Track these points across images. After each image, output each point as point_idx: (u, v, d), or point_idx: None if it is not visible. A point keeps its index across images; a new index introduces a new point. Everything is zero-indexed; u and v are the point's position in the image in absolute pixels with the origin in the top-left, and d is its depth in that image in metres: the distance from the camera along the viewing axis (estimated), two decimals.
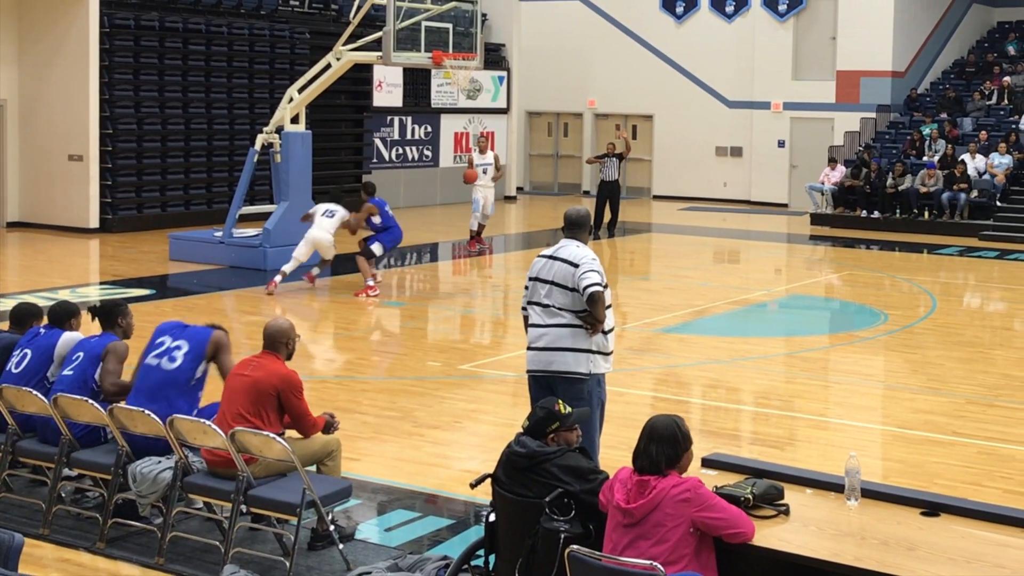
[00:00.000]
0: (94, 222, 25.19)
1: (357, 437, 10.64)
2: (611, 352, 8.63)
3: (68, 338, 8.93)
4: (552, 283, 8.47)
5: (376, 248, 18.72)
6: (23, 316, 9.44)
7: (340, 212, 19.03)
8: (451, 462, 10.53)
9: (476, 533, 8.38)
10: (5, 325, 9.81)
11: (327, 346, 15.38)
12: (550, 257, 8.59)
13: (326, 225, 18.76)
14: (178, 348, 8.45)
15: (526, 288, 8.73)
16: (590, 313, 8.33)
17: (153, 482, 7.99)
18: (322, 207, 19.16)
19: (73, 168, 25.15)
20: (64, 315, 9.15)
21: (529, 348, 8.62)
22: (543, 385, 8.51)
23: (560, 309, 8.43)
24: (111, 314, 8.84)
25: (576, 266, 8.38)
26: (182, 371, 8.42)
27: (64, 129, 25.18)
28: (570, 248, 8.54)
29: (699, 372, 14.34)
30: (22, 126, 25.84)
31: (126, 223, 25.54)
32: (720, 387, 13.74)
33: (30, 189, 25.89)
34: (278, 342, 8.18)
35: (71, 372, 8.54)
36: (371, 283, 18.63)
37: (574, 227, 8.70)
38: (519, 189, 37.17)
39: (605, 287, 8.39)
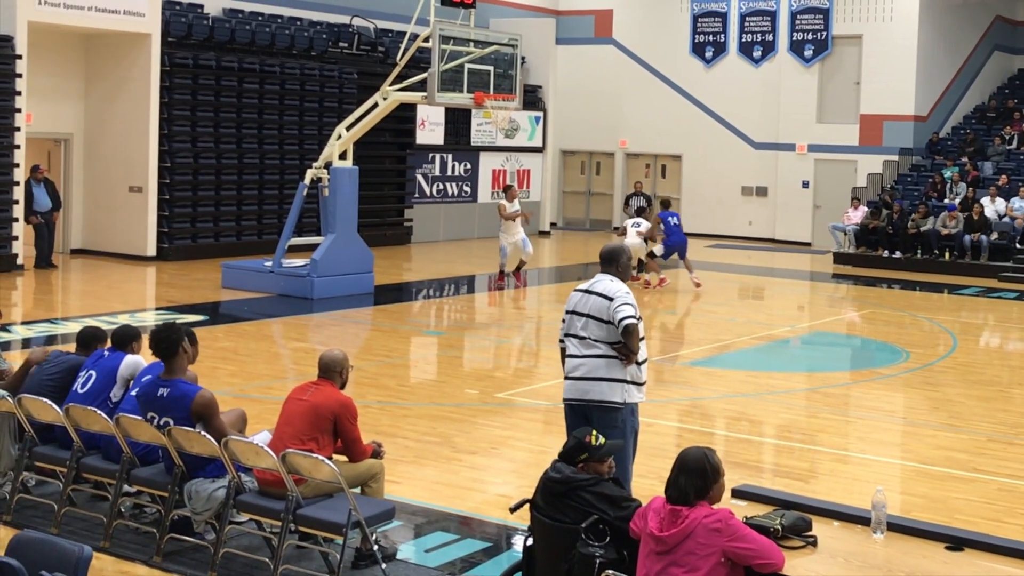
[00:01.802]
0: (152, 250, 25.37)
1: (399, 461, 10.65)
2: (644, 382, 8.63)
3: (130, 361, 9.02)
4: (588, 316, 8.48)
5: (657, 250, 23.21)
6: (89, 339, 9.53)
7: (644, 224, 23.54)
8: (487, 486, 10.54)
9: (509, 556, 8.39)
10: (72, 347, 9.88)
11: (371, 373, 15.40)
12: (586, 291, 8.60)
13: (633, 233, 23.11)
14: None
15: (563, 321, 8.75)
16: (625, 344, 8.33)
17: (207, 500, 8.04)
18: (631, 220, 23.82)
19: (133, 199, 25.34)
20: (126, 339, 9.24)
21: (567, 378, 8.63)
22: (579, 413, 8.50)
23: (596, 341, 8.43)
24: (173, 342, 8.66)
25: (611, 300, 8.39)
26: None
27: (125, 162, 25.38)
28: (604, 282, 8.55)
29: (724, 405, 14.30)
30: (87, 159, 26.07)
31: (181, 252, 25.70)
32: (744, 420, 13.69)
33: (93, 218, 26.11)
34: (332, 371, 8.24)
35: (135, 395, 8.61)
36: (662, 276, 23.16)
37: (608, 262, 8.71)
38: (553, 225, 37.20)
39: (639, 320, 8.39)
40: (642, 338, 8.47)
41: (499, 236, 23.63)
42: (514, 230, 23.21)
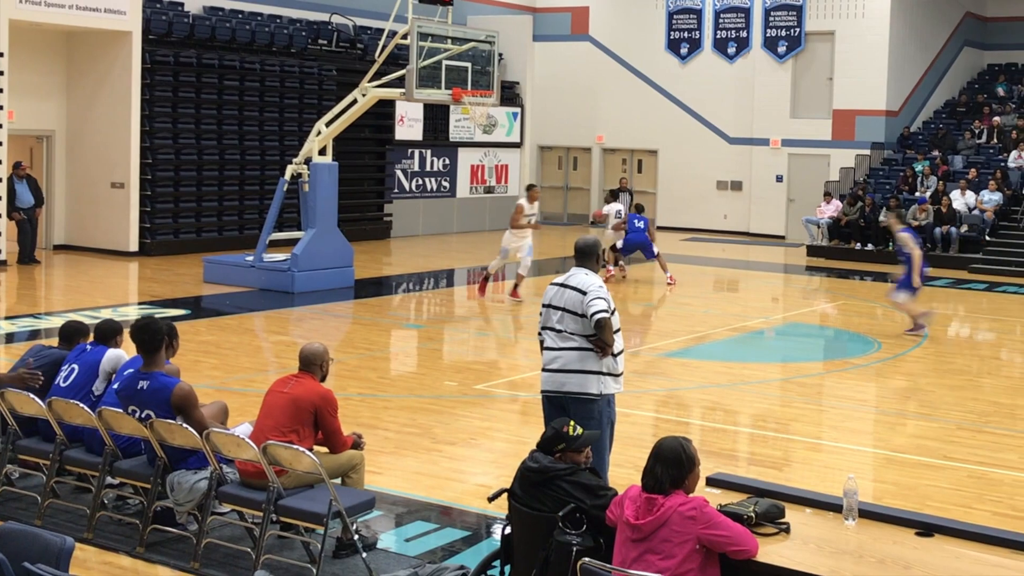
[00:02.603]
0: (134, 246, 25.30)
1: (379, 452, 10.66)
2: (621, 373, 8.64)
3: (112, 354, 9.01)
4: (564, 309, 8.49)
5: (619, 244, 23.99)
6: (71, 333, 9.52)
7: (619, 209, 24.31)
8: (466, 476, 10.55)
9: (488, 545, 8.40)
10: (55, 341, 9.86)
11: (352, 365, 15.37)
12: (561, 285, 8.61)
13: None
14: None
15: (541, 314, 8.76)
16: (599, 338, 8.34)
17: (189, 491, 8.04)
18: (613, 207, 24.26)
19: (115, 195, 25.26)
20: (109, 333, 9.23)
21: (544, 370, 8.64)
22: (556, 405, 8.52)
23: (572, 334, 8.45)
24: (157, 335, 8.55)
25: (584, 293, 8.40)
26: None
27: (107, 159, 25.30)
28: (579, 276, 8.56)
29: (700, 395, 14.33)
30: (69, 156, 25.97)
31: (163, 247, 25.64)
32: (720, 409, 13.73)
33: (75, 214, 26.01)
34: (312, 364, 8.24)
35: (117, 388, 8.59)
36: (611, 269, 23.65)
37: (583, 256, 8.72)
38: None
39: (612, 313, 8.40)
40: (617, 330, 8.49)
41: (506, 233, 21.25)
42: (524, 233, 20.97)
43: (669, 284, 23.12)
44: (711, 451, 11.23)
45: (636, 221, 23.92)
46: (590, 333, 8.38)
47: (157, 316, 8.76)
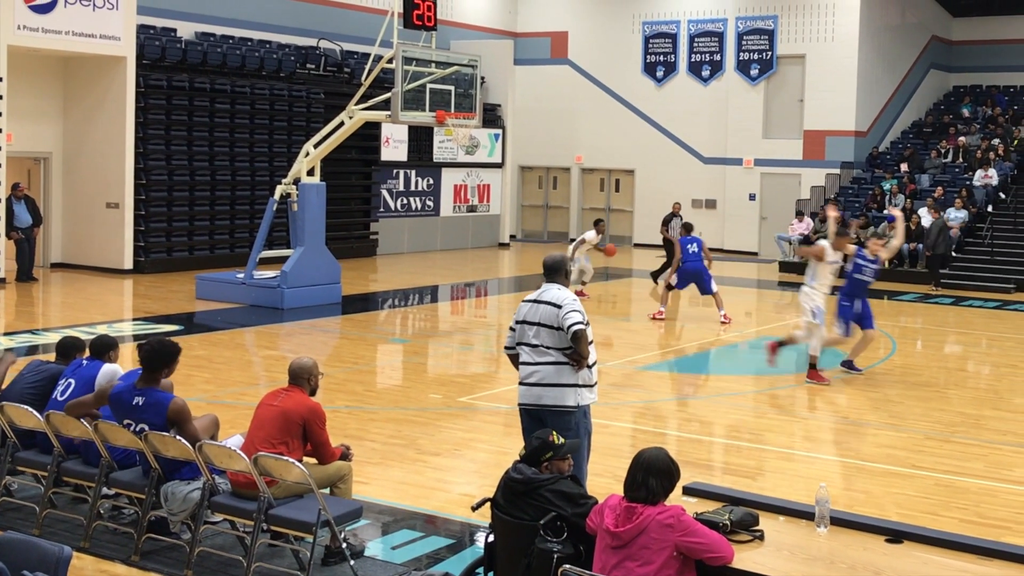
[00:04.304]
0: (128, 263, 25.27)
1: (366, 462, 10.65)
2: (595, 383, 8.65)
3: (108, 369, 8.99)
4: (539, 324, 8.49)
5: (672, 280, 21.46)
6: (67, 348, 9.50)
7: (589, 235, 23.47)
8: (451, 486, 10.53)
9: (472, 552, 8.40)
10: (52, 356, 9.84)
11: (339, 379, 15.36)
12: (535, 301, 8.61)
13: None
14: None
15: (512, 330, 8.76)
16: (575, 350, 8.36)
17: (183, 501, 8.03)
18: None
19: (110, 215, 25.23)
20: (104, 348, 9.21)
21: (521, 383, 8.64)
22: (534, 417, 8.51)
23: (548, 348, 8.44)
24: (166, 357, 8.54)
25: (559, 307, 8.41)
26: None
27: (102, 179, 25.28)
28: (552, 291, 8.57)
29: (676, 407, 14.36)
30: (65, 176, 25.94)
31: (157, 265, 25.61)
32: (695, 421, 13.75)
33: (71, 233, 25.97)
34: (301, 377, 8.24)
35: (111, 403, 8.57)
36: (660, 310, 21.41)
37: (552, 272, 8.73)
38: (512, 237, 37.25)
39: (587, 325, 8.43)
40: (591, 341, 8.51)
41: (582, 262, 23.35)
42: (585, 252, 23.47)
43: (724, 322, 20.74)
44: (687, 461, 11.23)
45: (689, 246, 20.90)
46: (566, 346, 8.39)
47: (165, 337, 8.69)
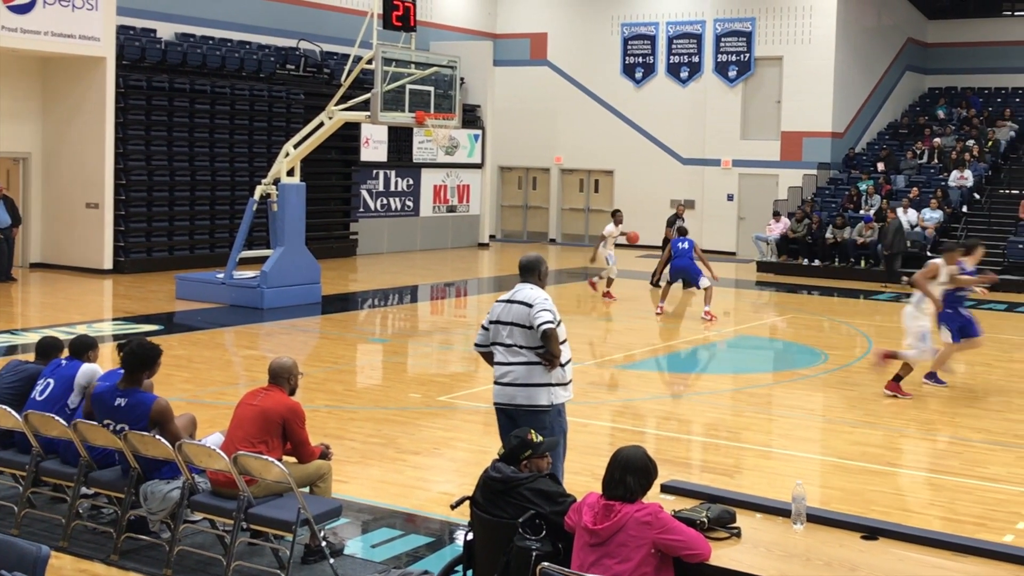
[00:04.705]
0: (108, 264, 25.16)
1: (346, 461, 10.63)
2: (569, 381, 8.66)
3: (87, 369, 8.96)
4: (512, 324, 8.50)
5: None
6: (46, 349, 9.46)
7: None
8: (430, 485, 10.53)
9: (452, 550, 8.39)
10: (31, 356, 9.79)
11: (319, 378, 15.34)
12: (508, 301, 8.63)
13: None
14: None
15: (484, 328, 8.77)
16: (546, 349, 8.37)
17: (162, 500, 8.00)
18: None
19: (90, 215, 25.13)
20: (83, 348, 9.18)
21: (495, 383, 8.66)
22: (510, 416, 8.54)
23: (521, 348, 8.45)
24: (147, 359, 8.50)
25: (531, 306, 8.43)
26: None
27: (82, 180, 25.17)
28: (525, 291, 8.59)
29: (655, 405, 14.37)
30: (45, 177, 25.82)
31: (137, 265, 25.51)
32: (674, 419, 13.77)
33: (51, 233, 25.85)
34: (280, 377, 8.22)
35: (93, 402, 8.53)
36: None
37: (526, 271, 8.75)
38: (492, 237, 37.24)
39: (558, 324, 8.44)
40: (563, 341, 8.52)
41: (602, 251, 23.33)
42: (612, 245, 23.48)
43: (705, 318, 20.92)
44: (666, 459, 11.23)
45: (680, 244, 21.72)
46: (538, 345, 8.40)
47: (146, 339, 8.64)
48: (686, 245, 21.59)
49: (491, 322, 8.67)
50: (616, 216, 23.60)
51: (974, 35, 38.04)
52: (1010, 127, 34.47)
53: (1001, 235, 28.78)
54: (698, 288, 21.56)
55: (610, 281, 23.55)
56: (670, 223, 26.66)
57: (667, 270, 21.98)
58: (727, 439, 12.67)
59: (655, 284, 25.43)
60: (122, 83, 25.23)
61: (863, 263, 28.73)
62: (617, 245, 23.97)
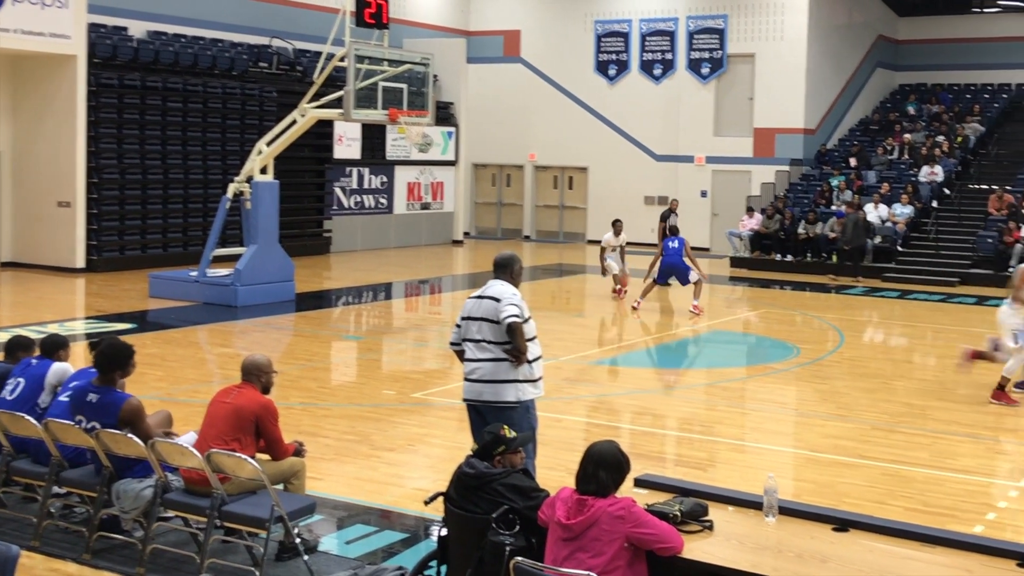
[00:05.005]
0: (80, 262, 25.03)
1: (320, 458, 10.60)
2: (539, 378, 8.68)
3: (58, 368, 8.91)
4: (482, 319, 8.55)
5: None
6: (16, 348, 9.41)
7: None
8: (405, 481, 10.52)
9: (427, 546, 8.38)
10: (1, 356, 9.73)
11: (293, 376, 15.31)
12: (479, 297, 8.69)
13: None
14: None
15: (457, 326, 8.80)
16: (514, 345, 8.38)
17: (135, 499, 7.96)
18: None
19: (61, 213, 24.99)
20: (54, 347, 9.12)
21: (465, 379, 8.69)
22: (479, 412, 8.59)
23: (489, 344, 8.49)
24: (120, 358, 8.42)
25: (499, 301, 8.47)
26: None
27: (53, 178, 25.03)
28: (496, 287, 8.63)
29: (629, 400, 14.39)
30: (15, 175, 25.66)
31: (109, 263, 25.39)
32: (648, 414, 13.79)
33: (22, 232, 25.70)
34: (251, 374, 8.17)
35: (66, 399, 8.48)
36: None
37: (499, 268, 8.80)
38: (466, 234, 37.23)
39: (526, 320, 8.45)
40: (533, 338, 8.55)
41: (609, 263, 23.39)
42: (611, 252, 23.50)
43: (693, 312, 21.31)
44: (640, 453, 11.28)
45: (671, 242, 21.91)
46: (505, 341, 8.42)
47: (117, 339, 8.59)
48: (676, 244, 21.80)
49: (463, 318, 8.70)
50: (616, 226, 23.55)
51: (944, 32, 38.23)
52: (979, 123, 34.65)
53: (971, 230, 28.96)
54: (687, 283, 21.87)
55: (616, 278, 23.57)
56: (664, 218, 26.67)
57: (656, 268, 22.02)
58: (701, 433, 12.71)
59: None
60: (94, 81, 25.11)
61: (835, 258, 28.84)
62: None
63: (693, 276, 21.60)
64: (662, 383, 15.74)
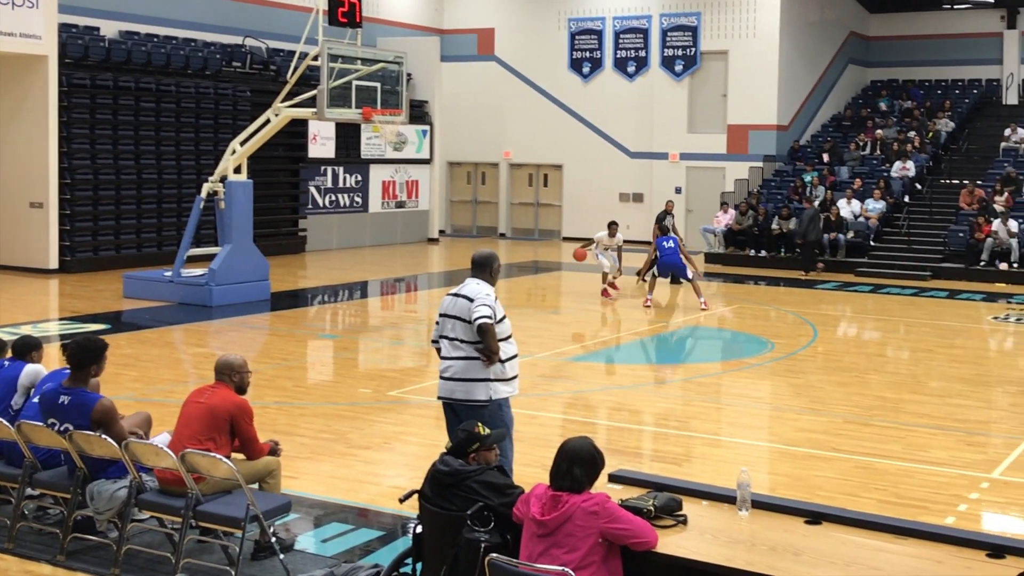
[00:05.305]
0: (54, 263, 24.89)
1: (296, 457, 10.59)
2: (513, 377, 8.69)
3: (30, 369, 8.86)
4: (455, 318, 8.57)
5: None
6: None
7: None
8: (381, 479, 10.51)
9: (403, 543, 8.37)
10: None
11: (269, 375, 15.27)
12: (455, 295, 8.70)
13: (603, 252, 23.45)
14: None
15: (437, 323, 8.82)
16: (486, 345, 8.39)
17: (109, 500, 7.93)
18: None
19: (34, 214, 24.85)
20: (26, 348, 9.08)
21: (440, 377, 8.71)
22: (453, 410, 8.63)
23: (462, 342, 8.52)
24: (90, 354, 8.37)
25: (472, 300, 8.48)
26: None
27: (25, 179, 24.89)
28: (471, 285, 8.65)
29: (604, 396, 14.41)
30: None
31: (83, 264, 25.27)
32: (623, 410, 13.81)
33: None
34: (224, 374, 8.15)
35: (38, 401, 8.43)
36: (647, 297, 22.29)
37: (477, 267, 8.82)
38: (441, 232, 37.20)
39: (500, 320, 8.47)
40: (507, 337, 8.56)
41: (600, 259, 23.44)
42: (602, 250, 23.53)
43: (703, 309, 21.57)
44: (616, 449, 11.29)
45: (665, 242, 22.32)
46: (478, 340, 8.43)
47: (92, 335, 8.55)
48: (671, 243, 22.30)
49: (441, 315, 8.72)
50: (612, 228, 23.59)
51: (915, 28, 38.41)
52: (950, 118, 34.83)
53: (942, 224, 29.13)
54: (686, 280, 22.56)
55: (605, 276, 23.53)
56: (659, 220, 26.64)
57: (655, 267, 22.54)
58: (676, 428, 12.73)
59: (643, 279, 25.48)
60: (65, 81, 24.98)
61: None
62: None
63: (689, 273, 22.21)
64: (638, 379, 15.77)
